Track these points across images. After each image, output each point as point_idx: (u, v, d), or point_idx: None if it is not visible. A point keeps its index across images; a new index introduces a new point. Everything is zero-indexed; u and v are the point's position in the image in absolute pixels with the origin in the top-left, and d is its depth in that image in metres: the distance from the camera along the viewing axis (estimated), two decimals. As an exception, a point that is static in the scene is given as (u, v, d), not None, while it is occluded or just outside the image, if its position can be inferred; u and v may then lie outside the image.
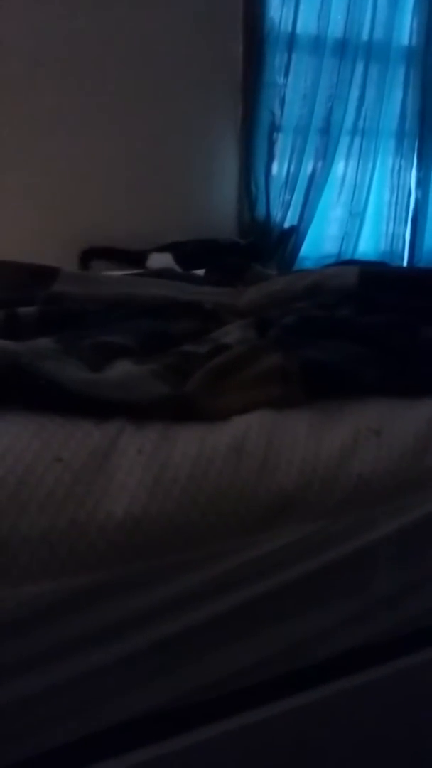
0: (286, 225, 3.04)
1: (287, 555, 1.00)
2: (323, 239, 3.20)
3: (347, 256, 3.19)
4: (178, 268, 2.43)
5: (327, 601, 1.05)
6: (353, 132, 3.08)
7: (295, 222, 3.04)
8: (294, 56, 2.88)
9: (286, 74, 2.89)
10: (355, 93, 3.02)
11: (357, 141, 3.10)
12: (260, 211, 3.01)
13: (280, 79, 2.89)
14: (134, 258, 2.65)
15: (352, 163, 3.12)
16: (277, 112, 2.93)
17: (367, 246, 3.31)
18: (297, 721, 1.06)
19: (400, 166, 3.26)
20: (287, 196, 3.01)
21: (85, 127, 2.69)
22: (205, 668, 0.99)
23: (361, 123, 3.08)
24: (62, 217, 2.66)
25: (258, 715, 1.02)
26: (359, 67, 3.00)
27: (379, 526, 1.06)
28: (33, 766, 0.91)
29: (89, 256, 2.69)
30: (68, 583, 0.88)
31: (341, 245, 3.22)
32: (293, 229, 3.04)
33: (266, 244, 3.03)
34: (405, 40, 3.11)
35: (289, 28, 2.84)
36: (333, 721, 1.09)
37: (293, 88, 2.92)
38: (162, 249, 2.72)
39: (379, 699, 1.11)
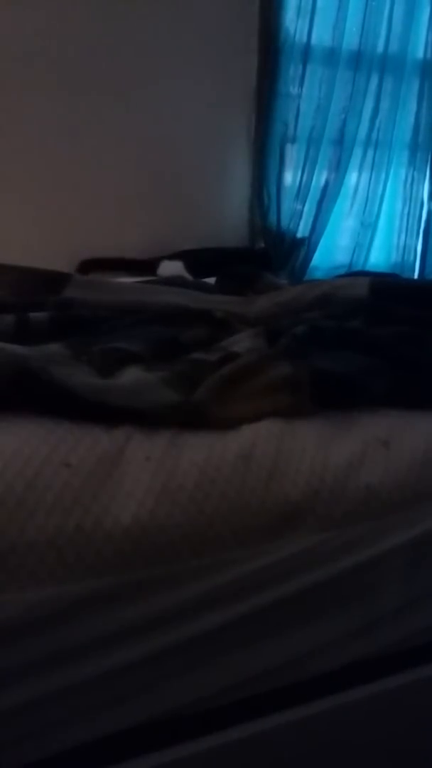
0: (298, 235, 3.04)
1: (294, 565, 1.00)
2: (334, 249, 3.20)
3: (358, 267, 3.19)
4: (188, 276, 2.44)
5: (332, 612, 1.05)
6: (367, 143, 3.09)
7: (306, 232, 3.05)
8: (308, 67, 2.88)
9: (301, 85, 2.90)
10: (369, 105, 3.03)
11: (370, 152, 3.10)
12: (272, 220, 3.02)
13: (294, 90, 2.90)
14: (138, 267, 2.64)
15: (365, 174, 3.13)
16: (291, 122, 2.94)
17: (378, 257, 3.31)
18: (298, 733, 1.05)
19: (413, 178, 3.26)
20: (299, 206, 3.01)
21: (96, 134, 2.70)
22: (208, 677, 0.99)
23: (374, 135, 3.08)
24: (69, 226, 2.67)
25: (259, 727, 1.02)
26: (374, 79, 3.00)
27: (387, 538, 1.05)
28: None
29: (88, 266, 2.68)
30: (74, 589, 0.88)
31: (352, 256, 3.21)
32: (304, 240, 3.04)
33: (277, 253, 3.03)
34: (420, 53, 3.11)
35: (305, 39, 2.84)
36: (336, 733, 1.09)
37: (307, 99, 2.92)
38: (172, 257, 2.72)
39: (384, 712, 1.10)
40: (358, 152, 3.07)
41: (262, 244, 3.05)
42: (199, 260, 2.70)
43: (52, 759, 0.92)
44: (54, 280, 1.67)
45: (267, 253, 2.99)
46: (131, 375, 1.20)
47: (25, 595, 0.86)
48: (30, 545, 0.87)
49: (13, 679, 0.88)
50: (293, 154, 2.98)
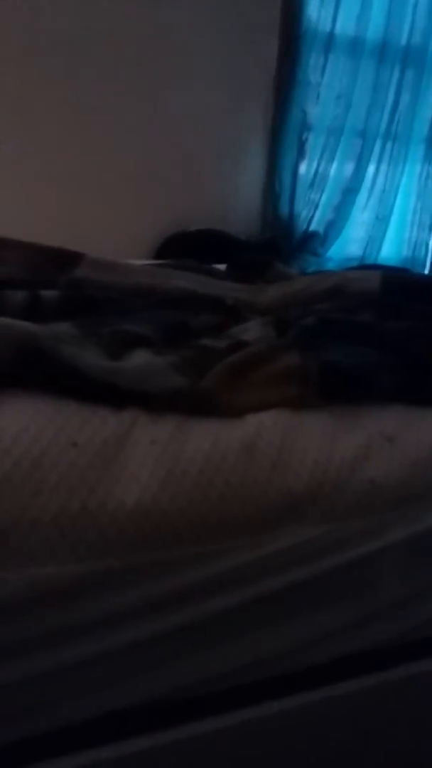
0: (312, 225, 3.03)
1: (295, 556, 1.00)
2: (347, 241, 3.19)
3: (370, 260, 3.18)
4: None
5: (331, 604, 1.05)
6: (386, 136, 3.07)
7: (321, 223, 3.04)
8: (330, 56, 2.86)
9: (322, 74, 2.88)
10: (390, 97, 3.01)
11: (389, 145, 3.09)
12: (283, 209, 3.00)
13: (315, 79, 2.88)
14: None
15: (383, 167, 3.11)
16: (309, 111, 2.92)
17: (390, 251, 3.30)
18: (293, 722, 1.06)
19: (428, 173, 3.25)
20: (314, 196, 3.00)
21: (112, 117, 2.68)
22: (206, 662, 1.00)
23: (394, 127, 3.06)
24: (74, 210, 2.65)
25: (255, 713, 1.02)
26: (395, 71, 2.98)
27: (389, 533, 1.05)
28: (30, 746, 0.92)
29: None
30: (75, 569, 0.89)
31: (365, 249, 3.20)
32: (316, 234, 3.02)
33: (288, 242, 3.02)
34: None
35: (328, 27, 2.82)
36: (331, 724, 1.09)
37: (328, 88, 2.90)
38: (180, 237, 2.70)
39: (381, 705, 1.11)
40: (376, 145, 3.06)
41: (271, 232, 3.03)
42: (205, 243, 2.69)
43: (47, 734, 0.93)
44: (66, 259, 1.67)
45: (273, 241, 2.97)
46: (140, 358, 1.20)
47: (26, 573, 0.87)
48: (33, 523, 0.88)
49: (11, 656, 0.89)
50: (310, 143, 2.96)
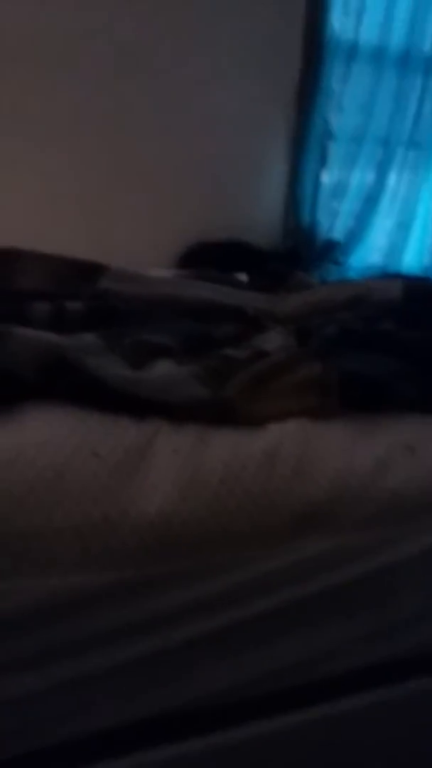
0: (334, 233, 3.02)
1: (314, 565, 1.00)
2: (369, 250, 3.18)
3: (392, 269, 3.16)
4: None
5: (349, 614, 1.05)
6: (408, 144, 3.06)
7: (343, 231, 3.03)
8: (353, 65, 2.86)
9: (344, 83, 2.88)
10: (412, 105, 3.00)
11: (410, 153, 3.07)
12: (305, 217, 3.00)
13: (338, 87, 2.88)
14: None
15: (404, 175, 3.10)
16: (332, 119, 2.92)
17: (411, 259, 3.28)
18: (306, 734, 1.06)
19: (449, 182, 3.23)
20: (336, 204, 3.00)
21: (136, 127, 2.70)
22: (221, 673, 1.00)
23: (416, 135, 3.05)
24: (97, 221, 2.68)
25: (269, 726, 1.02)
26: (418, 80, 2.98)
27: (408, 544, 1.05)
28: (34, 760, 0.93)
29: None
30: (97, 578, 0.90)
31: (387, 257, 3.19)
32: (338, 243, 3.02)
33: (309, 251, 3.02)
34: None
35: (351, 37, 2.82)
36: (344, 737, 1.09)
37: (350, 97, 2.90)
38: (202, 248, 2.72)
39: (395, 717, 1.10)
40: (398, 153, 3.05)
41: (292, 241, 3.03)
42: (227, 254, 2.70)
43: (56, 747, 0.93)
44: (90, 271, 1.69)
45: (295, 250, 2.97)
46: (162, 368, 1.21)
47: (48, 582, 0.88)
48: (56, 533, 0.89)
49: (32, 665, 0.90)
50: (332, 151, 2.96)
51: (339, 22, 2.81)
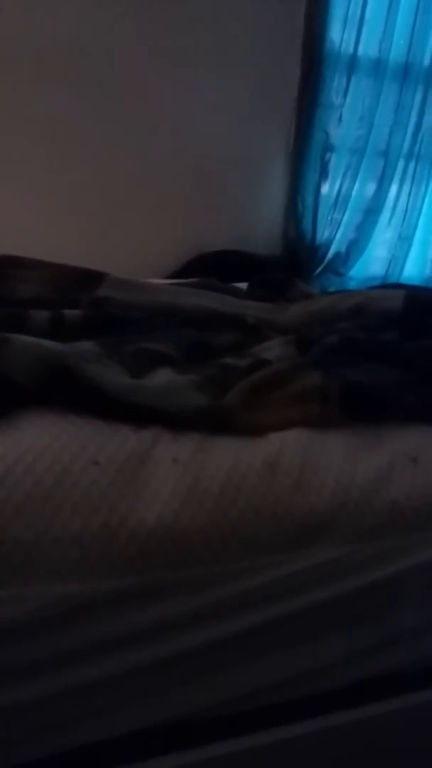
0: (334, 245, 3.03)
1: (315, 576, 0.99)
2: (370, 261, 3.19)
3: (393, 279, 3.17)
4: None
5: (351, 627, 1.04)
6: (408, 156, 3.07)
7: (344, 243, 3.04)
8: (353, 78, 2.88)
9: (344, 95, 2.89)
10: (412, 117, 3.01)
11: (411, 165, 3.09)
12: (305, 228, 3.01)
13: (338, 100, 2.89)
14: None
15: (405, 187, 3.11)
16: (332, 132, 2.93)
17: (412, 270, 3.29)
18: (306, 747, 1.04)
19: (450, 193, 3.24)
20: (336, 216, 3.01)
21: (135, 137, 2.71)
22: (222, 684, 0.99)
23: (417, 148, 3.06)
24: (97, 230, 2.68)
25: (268, 738, 1.01)
26: (418, 92, 2.99)
27: (411, 555, 1.04)
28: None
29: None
30: (96, 587, 0.89)
31: (388, 268, 3.20)
32: (339, 254, 3.03)
33: (310, 262, 3.02)
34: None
35: (350, 50, 2.84)
36: (345, 750, 1.08)
37: (350, 110, 2.91)
38: (201, 259, 2.72)
39: (398, 729, 1.09)
40: (399, 165, 3.06)
41: (291, 252, 3.03)
42: (227, 263, 2.70)
43: (59, 755, 0.92)
44: (89, 278, 1.68)
45: (292, 260, 2.97)
46: (162, 377, 1.20)
47: (48, 590, 0.87)
48: (55, 541, 0.88)
49: (30, 674, 0.89)
50: (332, 163, 2.97)
51: (338, 34, 2.83)
